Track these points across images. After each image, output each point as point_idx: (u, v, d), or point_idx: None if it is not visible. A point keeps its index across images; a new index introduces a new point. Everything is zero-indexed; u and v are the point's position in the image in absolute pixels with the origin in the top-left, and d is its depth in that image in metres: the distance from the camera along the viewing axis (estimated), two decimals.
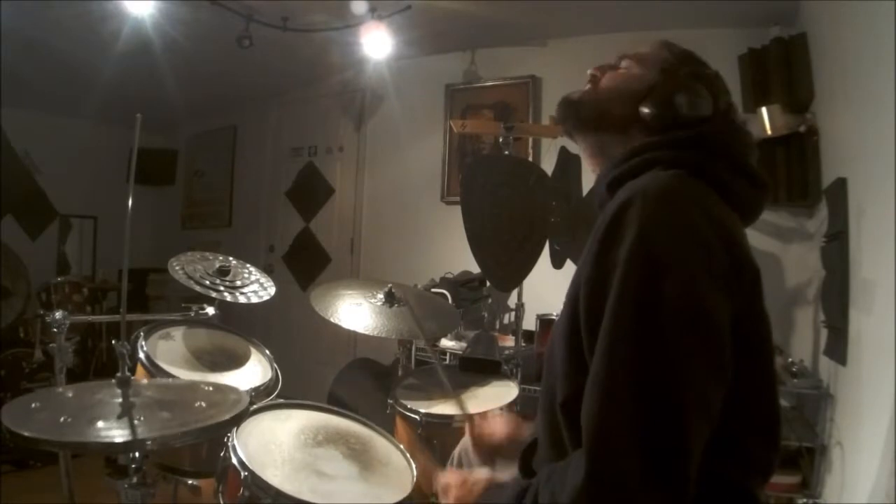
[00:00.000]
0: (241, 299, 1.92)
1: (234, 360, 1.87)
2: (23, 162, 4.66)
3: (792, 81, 2.52)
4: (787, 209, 2.75)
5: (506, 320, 3.42)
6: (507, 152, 2.59)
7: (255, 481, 1.23)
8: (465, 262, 3.11)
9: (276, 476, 1.27)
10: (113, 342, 1.32)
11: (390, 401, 1.82)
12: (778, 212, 2.78)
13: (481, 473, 0.98)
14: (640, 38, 0.99)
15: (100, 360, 4.08)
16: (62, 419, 1.07)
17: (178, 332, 1.89)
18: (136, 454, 1.21)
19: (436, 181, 3.88)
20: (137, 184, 1.38)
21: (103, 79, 3.68)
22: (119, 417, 1.10)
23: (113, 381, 1.20)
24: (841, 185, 1.98)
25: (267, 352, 1.95)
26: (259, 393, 1.72)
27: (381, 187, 4.22)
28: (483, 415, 1.37)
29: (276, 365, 1.89)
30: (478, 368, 2.04)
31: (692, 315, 0.68)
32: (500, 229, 2.43)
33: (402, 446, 1.56)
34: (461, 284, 3.21)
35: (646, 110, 0.87)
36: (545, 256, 2.60)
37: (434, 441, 1.67)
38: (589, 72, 0.96)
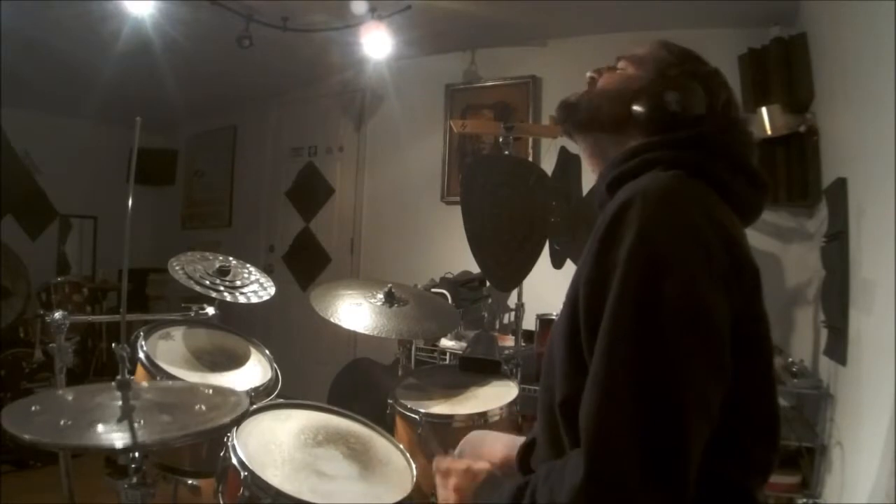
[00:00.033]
0: (241, 299, 1.92)
1: (234, 360, 1.87)
2: (23, 162, 4.66)
3: (792, 81, 2.52)
4: (787, 209, 2.75)
5: (506, 320, 3.42)
6: (507, 152, 2.59)
7: (255, 481, 1.23)
8: (465, 262, 3.11)
9: (276, 476, 1.27)
10: (113, 345, 1.32)
11: (390, 401, 1.82)
12: (778, 212, 2.78)
13: (484, 464, 0.97)
14: (640, 38, 0.99)
15: (100, 360, 4.08)
16: (62, 422, 1.07)
17: (178, 332, 1.88)
18: (136, 455, 1.21)
19: (436, 181, 3.88)
20: (137, 184, 1.38)
21: (103, 79, 3.68)
22: (119, 421, 1.10)
23: (113, 383, 1.20)
24: (841, 185, 1.98)
25: (267, 352, 1.95)
26: (259, 393, 1.72)
27: (381, 187, 4.22)
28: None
29: (276, 365, 1.89)
30: (478, 368, 2.03)
31: (692, 315, 0.68)
32: (500, 229, 2.43)
33: (402, 446, 1.56)
34: (461, 284, 3.21)
35: (638, 109, 0.87)
36: (545, 256, 2.60)
37: (434, 441, 1.67)
38: (588, 74, 0.97)
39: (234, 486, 1.28)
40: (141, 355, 1.68)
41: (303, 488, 1.25)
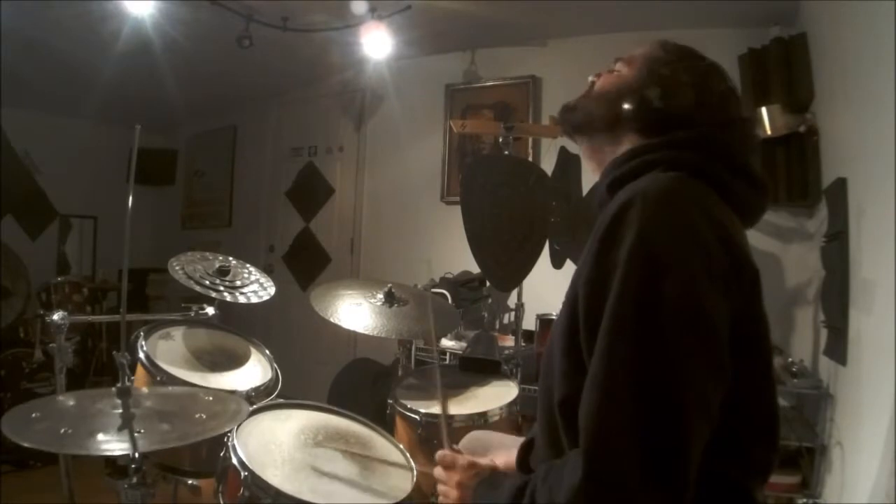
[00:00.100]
0: (241, 299, 1.92)
1: (234, 360, 1.87)
2: (23, 162, 4.66)
3: (792, 81, 2.52)
4: (787, 209, 2.75)
5: (506, 320, 3.42)
6: (507, 152, 2.59)
7: (255, 481, 1.23)
8: (465, 262, 3.11)
9: (276, 476, 1.27)
10: (113, 353, 1.32)
11: (390, 401, 1.82)
12: (778, 212, 2.78)
13: (487, 460, 0.97)
14: (640, 38, 0.99)
15: (100, 360, 4.08)
16: (62, 430, 1.07)
17: (178, 332, 1.88)
18: (136, 455, 1.21)
19: (436, 181, 3.88)
20: (137, 184, 1.38)
21: (103, 79, 3.68)
22: (119, 430, 1.10)
23: (113, 390, 1.20)
24: (841, 185, 1.98)
25: (267, 352, 1.95)
26: (259, 393, 1.72)
27: (381, 187, 4.22)
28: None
29: (276, 365, 1.89)
30: (478, 368, 2.04)
31: (692, 315, 0.68)
32: (500, 229, 2.43)
33: (402, 446, 1.56)
34: (461, 284, 3.21)
35: (626, 107, 0.88)
36: (545, 256, 2.60)
37: (434, 441, 1.67)
38: (589, 78, 0.98)
39: (234, 486, 1.28)
40: (141, 355, 1.68)
41: (303, 488, 1.25)
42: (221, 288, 1.91)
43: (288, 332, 4.38)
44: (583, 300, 0.74)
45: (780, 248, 2.82)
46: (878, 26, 1.63)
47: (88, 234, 5.13)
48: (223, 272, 1.98)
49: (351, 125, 4.38)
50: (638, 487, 0.64)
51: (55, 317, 1.62)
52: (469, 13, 3.13)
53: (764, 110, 2.46)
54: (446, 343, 2.99)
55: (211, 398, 1.37)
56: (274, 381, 1.82)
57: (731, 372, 0.71)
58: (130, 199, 1.25)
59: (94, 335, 4.11)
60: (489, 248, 2.44)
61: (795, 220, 2.78)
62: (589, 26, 3.30)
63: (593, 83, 0.97)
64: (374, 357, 3.52)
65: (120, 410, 1.15)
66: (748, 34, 2.79)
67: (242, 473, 1.25)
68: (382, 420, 1.75)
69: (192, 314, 1.91)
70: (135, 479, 1.24)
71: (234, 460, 1.28)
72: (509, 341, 2.91)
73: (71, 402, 1.26)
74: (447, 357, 2.94)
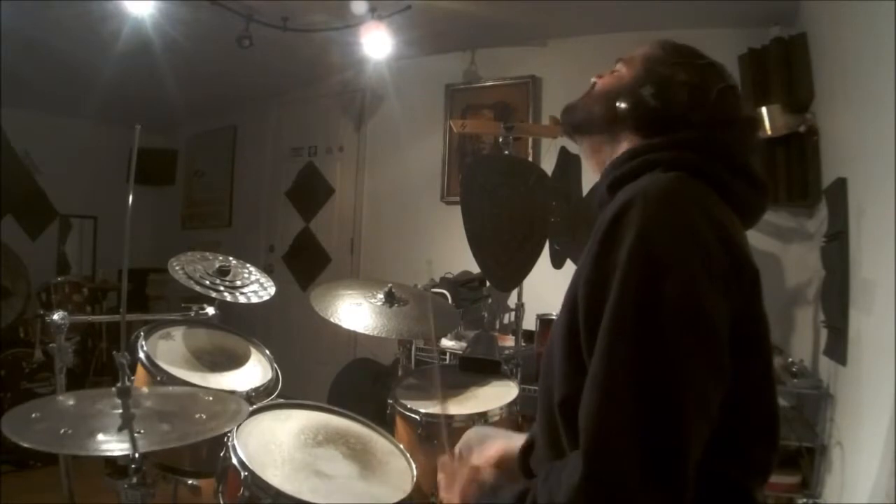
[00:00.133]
0: (241, 299, 1.92)
1: (234, 360, 1.87)
2: (23, 162, 4.66)
3: (792, 81, 2.52)
4: (787, 209, 2.75)
5: (506, 320, 3.42)
6: (507, 152, 2.59)
7: (255, 481, 1.23)
8: (465, 262, 3.11)
9: (276, 476, 1.27)
10: (113, 353, 1.32)
11: (390, 401, 1.82)
12: (778, 212, 2.78)
13: (489, 470, 0.97)
14: (640, 38, 0.99)
15: (100, 360, 4.08)
16: (62, 431, 1.07)
17: (178, 332, 1.88)
18: (136, 456, 1.21)
19: (436, 181, 3.88)
20: (137, 184, 1.38)
21: (103, 79, 3.68)
22: (119, 430, 1.11)
23: (113, 390, 1.20)
24: (841, 185, 1.98)
25: (267, 352, 1.95)
26: (259, 393, 1.72)
27: (381, 187, 4.22)
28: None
29: (276, 365, 1.89)
30: (478, 368, 2.04)
31: (692, 315, 0.68)
32: (500, 229, 2.43)
33: (402, 446, 1.56)
34: (461, 284, 3.21)
35: (621, 106, 0.88)
36: (545, 256, 2.60)
37: (434, 441, 1.67)
38: (591, 79, 0.99)
39: (234, 486, 1.28)
40: (141, 355, 1.68)
41: (303, 488, 1.25)
42: (221, 288, 1.91)
43: (288, 332, 4.38)
44: (583, 300, 0.74)
45: (780, 248, 2.82)
46: (878, 26, 1.63)
47: (88, 234, 5.13)
48: (223, 272, 1.98)
49: (351, 125, 4.38)
50: (638, 487, 0.64)
51: (55, 317, 1.62)
52: (469, 13, 3.13)
53: (764, 110, 2.46)
54: (446, 343, 2.99)
55: (211, 398, 1.37)
56: (274, 381, 1.82)
57: (731, 372, 0.71)
58: (130, 199, 1.25)
59: (94, 335, 4.11)
60: (489, 248, 2.44)
61: (795, 220, 2.78)
62: (589, 26, 3.30)
63: (594, 83, 0.98)
64: (374, 357, 3.53)
65: (120, 410, 1.15)
66: (748, 34, 2.79)
67: (242, 473, 1.25)
68: (382, 420, 1.75)
69: (192, 314, 1.91)
70: (135, 479, 1.24)
71: (234, 460, 1.28)
72: (509, 341, 2.91)
73: (71, 403, 1.26)
74: (447, 357, 2.94)
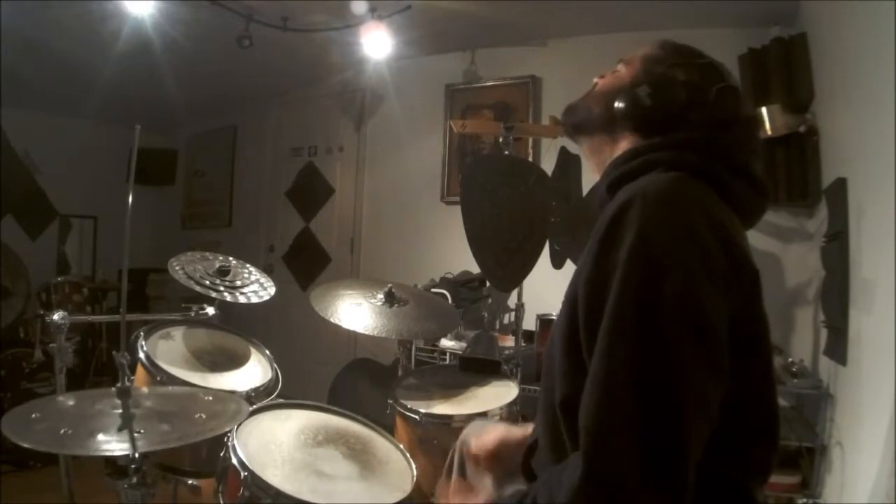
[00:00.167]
0: (241, 299, 1.92)
1: (234, 360, 1.87)
2: (23, 162, 4.66)
3: (792, 81, 2.52)
4: (787, 209, 2.75)
5: (506, 320, 3.42)
6: (507, 152, 2.59)
7: (255, 481, 1.23)
8: (465, 262, 3.11)
9: (276, 476, 1.27)
10: (113, 353, 1.33)
11: (390, 401, 1.82)
12: (778, 212, 2.78)
13: (487, 491, 0.98)
14: (640, 38, 1.00)
15: (100, 360, 4.08)
16: (62, 431, 1.07)
17: (178, 332, 1.88)
18: (136, 456, 1.21)
19: (436, 181, 3.88)
20: (137, 184, 1.38)
21: (103, 79, 3.68)
22: (119, 430, 1.11)
23: (113, 390, 1.20)
24: (841, 185, 1.98)
25: (267, 352, 1.95)
26: (259, 393, 1.72)
27: (381, 187, 4.22)
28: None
29: (276, 365, 1.89)
30: (478, 368, 2.04)
31: (692, 315, 0.68)
32: (500, 229, 2.43)
33: (402, 446, 1.56)
34: (461, 284, 3.21)
35: (618, 106, 0.88)
36: (545, 256, 2.60)
37: (434, 441, 1.67)
38: (594, 79, 0.99)
39: (234, 486, 1.28)
40: (141, 355, 1.68)
41: (303, 488, 1.25)
42: (221, 288, 1.91)
43: (288, 332, 4.38)
44: (582, 300, 0.74)
45: (780, 248, 2.82)
46: (878, 26, 1.63)
47: (88, 234, 5.13)
48: (223, 272, 1.98)
49: (351, 125, 4.38)
50: (638, 487, 0.64)
51: (55, 317, 1.62)
52: (469, 13, 3.13)
53: (764, 110, 2.46)
54: (446, 343, 2.99)
55: (211, 398, 1.37)
56: (274, 381, 1.82)
57: (731, 372, 0.71)
58: (130, 199, 1.25)
59: (94, 335, 4.11)
60: (489, 248, 2.44)
61: (795, 220, 2.78)
62: (589, 26, 3.30)
63: (595, 84, 0.98)
64: (373, 357, 3.53)
65: (120, 410, 1.15)
66: (748, 34, 2.79)
67: (242, 473, 1.25)
68: (382, 420, 1.75)
69: (192, 314, 1.91)
70: (135, 479, 1.24)
71: (234, 460, 1.28)
72: (509, 341, 2.91)
73: (71, 403, 1.26)
74: (447, 357, 2.94)
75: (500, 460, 1.15)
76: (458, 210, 2.49)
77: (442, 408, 1.76)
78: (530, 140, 3.50)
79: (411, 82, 3.96)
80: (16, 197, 4.59)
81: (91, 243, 5.13)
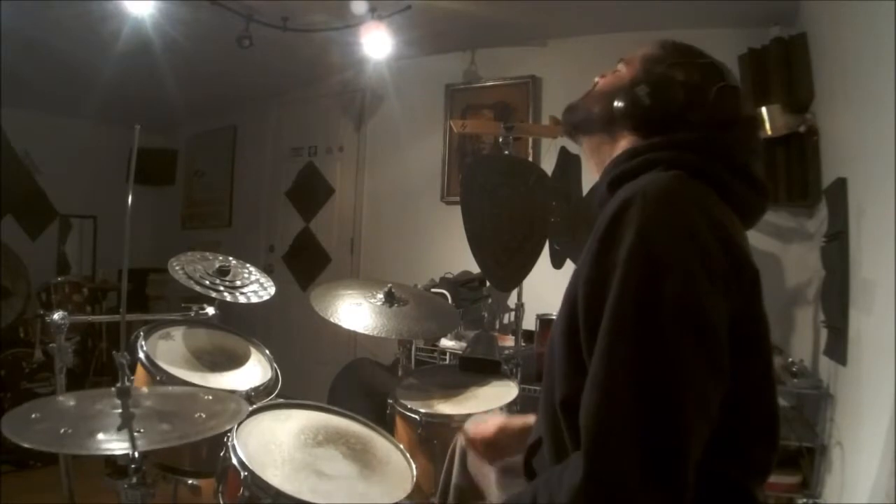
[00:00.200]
0: (241, 299, 1.92)
1: (234, 360, 1.87)
2: (23, 162, 4.66)
3: (792, 81, 2.52)
4: (787, 209, 2.75)
5: (506, 320, 3.42)
6: (507, 152, 2.59)
7: (255, 481, 1.23)
8: (465, 262, 3.11)
9: (276, 476, 1.27)
10: (113, 353, 1.33)
11: (390, 401, 1.82)
12: (778, 212, 2.78)
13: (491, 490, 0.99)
14: (640, 38, 1.00)
15: (100, 360, 4.08)
16: (62, 430, 1.07)
17: (178, 332, 1.89)
18: (136, 455, 1.21)
19: (436, 181, 3.88)
20: (137, 184, 1.38)
21: (103, 79, 3.68)
22: (119, 429, 1.11)
23: (113, 390, 1.20)
24: (841, 185, 1.98)
25: (267, 352, 1.95)
26: (259, 393, 1.72)
27: (381, 187, 4.22)
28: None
29: (276, 365, 1.89)
30: (478, 368, 2.04)
31: (692, 315, 0.68)
32: (500, 229, 2.43)
33: (402, 446, 1.56)
34: (461, 284, 3.21)
35: (617, 105, 0.88)
36: (545, 256, 2.60)
37: (434, 441, 1.67)
38: (595, 79, 1.00)
39: (234, 486, 1.28)
40: (141, 355, 1.68)
41: (303, 488, 1.25)
42: (221, 288, 1.91)
43: (288, 332, 4.38)
44: (582, 300, 0.74)
45: (780, 248, 2.82)
46: (878, 26, 1.63)
47: (88, 234, 5.13)
48: (223, 272, 1.98)
49: (351, 125, 4.38)
50: (638, 488, 0.64)
51: (55, 317, 1.62)
52: (469, 13, 3.13)
53: (764, 110, 2.46)
54: (446, 343, 2.99)
55: (210, 398, 1.37)
56: (274, 381, 1.82)
57: (731, 372, 0.71)
58: (130, 199, 1.25)
59: (94, 335, 4.11)
60: (489, 248, 2.44)
61: (795, 220, 2.78)
62: (589, 26, 3.30)
63: (596, 83, 0.98)
64: (374, 357, 3.52)
65: (120, 410, 1.15)
66: (748, 34, 2.79)
67: (242, 473, 1.25)
68: (382, 420, 1.75)
69: (192, 314, 1.91)
70: (135, 479, 1.24)
71: (234, 460, 1.28)
72: (509, 341, 2.91)
73: (71, 403, 1.26)
74: (447, 357, 2.94)
75: (498, 447, 1.15)
76: (458, 210, 2.49)
77: (442, 408, 1.76)
78: (530, 140, 3.50)
79: (411, 82, 3.96)
80: (16, 197, 4.59)
81: (91, 243, 5.13)
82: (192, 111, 4.97)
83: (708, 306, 0.69)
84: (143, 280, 4.99)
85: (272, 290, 2.02)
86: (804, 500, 2.18)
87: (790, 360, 2.40)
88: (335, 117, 4.45)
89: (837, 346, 1.96)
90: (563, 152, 2.83)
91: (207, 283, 1.90)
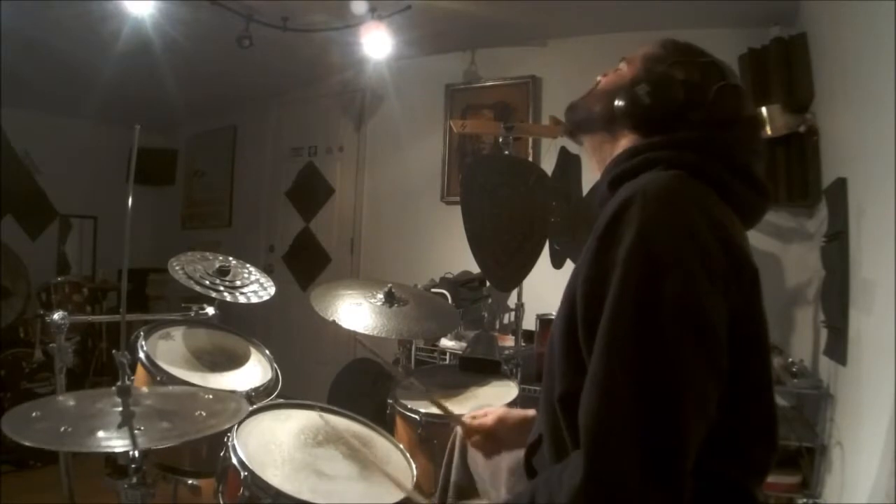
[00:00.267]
0: (241, 299, 1.92)
1: (234, 360, 1.87)
2: (23, 162, 4.66)
3: (792, 81, 2.52)
4: (787, 209, 2.75)
5: (506, 320, 3.42)
6: (507, 152, 2.59)
7: (255, 481, 1.23)
8: (465, 262, 3.11)
9: (276, 476, 1.27)
10: (113, 352, 1.32)
11: (390, 401, 1.82)
12: (778, 212, 2.78)
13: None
14: (640, 38, 1.00)
15: (100, 360, 4.08)
16: (62, 429, 1.07)
17: (178, 332, 1.88)
18: (136, 455, 1.21)
19: (436, 181, 3.88)
20: (137, 184, 1.38)
21: (103, 79, 3.68)
22: (119, 427, 1.11)
23: (113, 389, 1.20)
24: (841, 185, 1.98)
25: (267, 352, 1.95)
26: (259, 393, 1.72)
27: (381, 187, 4.22)
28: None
29: (276, 365, 1.89)
30: (478, 368, 2.04)
31: (691, 315, 0.68)
32: (500, 229, 2.43)
33: (402, 446, 1.56)
34: (461, 284, 3.21)
35: (618, 104, 0.88)
36: (545, 256, 2.60)
37: (434, 441, 1.67)
38: (597, 78, 1.00)
39: (234, 486, 1.28)
40: (141, 355, 1.68)
41: (303, 488, 1.25)
42: (221, 288, 1.91)
43: (288, 332, 4.38)
44: (581, 299, 0.74)
45: (780, 248, 2.82)
46: (878, 26, 1.63)
47: (88, 234, 5.13)
48: (223, 272, 1.98)
49: (351, 125, 4.38)
50: (638, 487, 0.64)
51: (55, 317, 1.62)
52: (469, 13, 3.13)
53: (764, 110, 2.46)
54: (446, 343, 2.99)
55: (211, 396, 1.38)
56: (274, 381, 1.82)
57: (731, 372, 0.71)
58: (130, 199, 1.25)
59: (94, 335, 4.11)
60: (489, 248, 2.44)
61: (795, 220, 2.78)
62: (589, 26, 3.30)
63: (598, 82, 0.98)
64: (374, 357, 3.52)
65: (120, 409, 1.15)
66: (748, 34, 2.79)
67: (242, 473, 1.25)
68: (382, 420, 1.75)
69: (192, 314, 1.91)
70: (135, 479, 1.24)
71: (234, 460, 1.28)
72: (509, 341, 2.91)
73: (71, 402, 1.26)
74: (447, 357, 2.94)
75: (496, 440, 1.15)
76: (458, 210, 2.49)
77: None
78: (530, 140, 3.50)
79: (411, 82, 3.96)
80: (16, 197, 4.59)
81: (91, 243, 5.13)
82: (192, 111, 4.97)
83: (708, 306, 0.69)
84: (143, 280, 4.99)
85: (272, 290, 2.02)
86: (804, 500, 2.18)
87: (790, 360, 2.40)
88: (335, 117, 4.45)
89: (837, 346, 1.96)
90: (563, 152, 2.83)
91: (207, 283, 1.90)
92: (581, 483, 0.66)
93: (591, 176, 0.97)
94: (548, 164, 2.89)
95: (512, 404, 1.81)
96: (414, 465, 1.46)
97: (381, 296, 1.85)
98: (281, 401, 1.61)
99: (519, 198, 2.46)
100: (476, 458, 1.24)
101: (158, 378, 1.63)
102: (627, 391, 0.67)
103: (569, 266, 2.76)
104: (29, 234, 4.74)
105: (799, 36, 2.52)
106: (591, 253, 0.74)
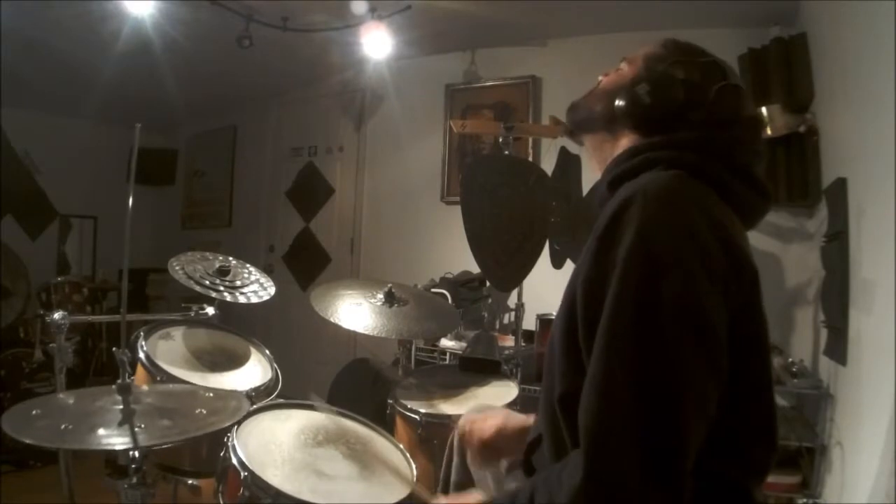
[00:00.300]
0: (241, 299, 1.92)
1: (234, 360, 1.87)
2: (23, 162, 4.66)
3: (792, 81, 2.52)
4: (787, 209, 2.75)
5: (506, 320, 3.42)
6: (507, 152, 2.59)
7: (255, 481, 1.23)
8: (465, 262, 3.11)
9: (276, 476, 1.26)
10: (113, 350, 1.32)
11: (390, 401, 1.82)
12: (778, 212, 2.78)
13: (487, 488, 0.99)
14: (640, 38, 1.00)
15: (100, 360, 4.08)
16: (63, 426, 1.07)
17: (178, 332, 1.89)
18: (136, 455, 1.21)
19: (436, 181, 3.88)
20: (137, 184, 1.38)
21: (103, 79, 3.68)
22: (120, 425, 1.11)
23: (113, 387, 1.20)
24: (841, 185, 1.98)
25: (267, 352, 1.95)
26: (259, 393, 1.72)
27: (381, 187, 4.22)
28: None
29: (276, 365, 1.89)
30: (478, 368, 2.04)
31: (691, 315, 0.68)
32: (500, 229, 2.43)
33: (402, 446, 1.56)
34: (461, 284, 3.21)
35: (619, 104, 0.88)
36: (545, 256, 2.60)
37: (434, 441, 1.67)
38: (598, 77, 1.00)
39: (234, 486, 1.28)
40: (141, 355, 1.68)
41: (303, 488, 1.25)
42: (221, 288, 1.91)
43: (288, 332, 4.38)
44: (581, 299, 0.74)
45: (780, 248, 2.82)
46: (878, 26, 1.63)
47: (88, 234, 5.13)
48: (223, 272, 1.98)
49: (351, 125, 4.38)
50: (638, 487, 0.64)
51: (55, 317, 1.62)
52: (469, 13, 3.13)
53: (764, 110, 2.46)
54: (446, 343, 2.99)
55: (211, 395, 1.38)
56: (274, 381, 1.82)
57: (731, 372, 0.71)
58: (130, 199, 1.25)
59: (94, 335, 4.11)
60: (489, 248, 2.44)
61: (795, 220, 2.78)
62: (589, 26, 3.30)
63: (599, 82, 0.98)
64: (374, 357, 3.52)
65: (120, 407, 1.15)
66: (748, 34, 2.79)
67: (242, 473, 1.25)
68: (382, 420, 1.74)
69: (192, 314, 1.91)
70: (135, 479, 1.24)
71: (234, 460, 1.28)
72: (509, 341, 2.91)
73: (71, 400, 1.26)
74: (447, 357, 2.94)
75: (495, 450, 1.15)
76: (458, 210, 2.49)
77: (442, 408, 1.76)
78: (530, 140, 3.50)
79: (411, 82, 3.96)
80: (16, 197, 4.59)
81: (91, 243, 5.13)
82: (192, 111, 4.97)
83: (708, 306, 0.69)
84: (143, 280, 4.99)
85: (272, 290, 2.02)
86: (804, 500, 2.18)
87: (790, 360, 2.40)
88: (335, 117, 4.45)
89: (837, 346, 1.96)
90: (563, 152, 2.83)
91: (207, 283, 1.90)
92: (581, 483, 0.66)
93: (591, 176, 0.97)
94: (548, 164, 2.89)
95: (512, 404, 1.81)
96: (414, 465, 1.46)
97: (381, 296, 1.85)
98: (281, 401, 1.61)
99: (519, 198, 2.46)
100: (475, 464, 1.24)
101: (158, 378, 1.63)
102: (627, 391, 0.67)
103: (569, 266, 2.76)
104: (29, 234, 4.74)
105: (799, 36, 2.52)
106: (590, 253, 0.74)
